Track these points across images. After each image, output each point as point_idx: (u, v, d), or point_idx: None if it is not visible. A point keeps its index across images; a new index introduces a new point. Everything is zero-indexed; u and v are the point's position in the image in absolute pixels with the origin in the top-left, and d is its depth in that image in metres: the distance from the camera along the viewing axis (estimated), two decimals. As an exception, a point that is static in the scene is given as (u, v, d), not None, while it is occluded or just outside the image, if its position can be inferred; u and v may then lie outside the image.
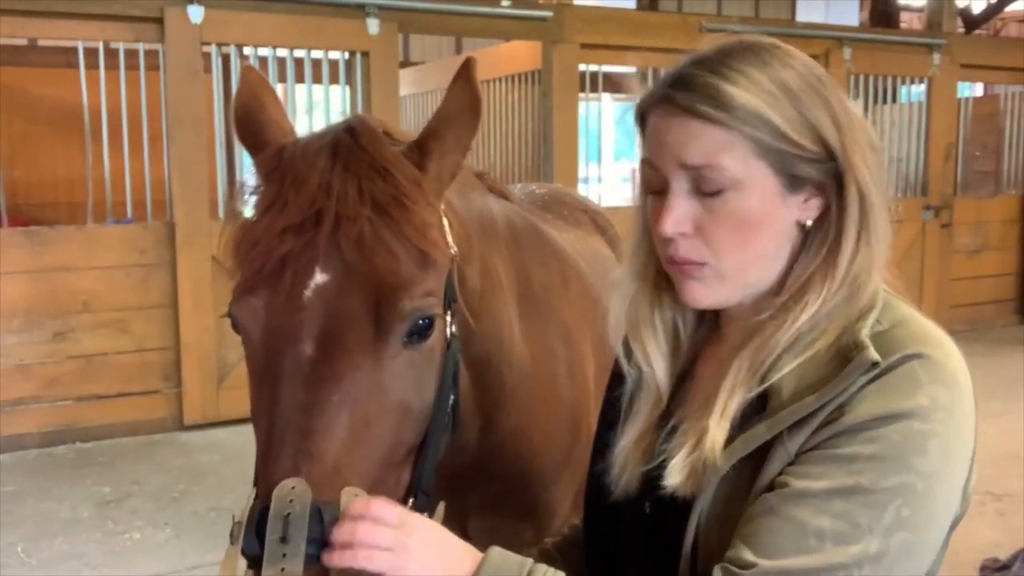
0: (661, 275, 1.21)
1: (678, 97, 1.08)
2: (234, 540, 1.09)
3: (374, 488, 1.12)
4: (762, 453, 1.05)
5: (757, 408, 1.07)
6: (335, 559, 1.02)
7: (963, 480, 1.07)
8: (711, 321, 1.25)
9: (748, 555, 0.99)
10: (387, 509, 1.05)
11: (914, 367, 1.02)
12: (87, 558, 3.93)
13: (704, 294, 1.13)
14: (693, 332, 1.26)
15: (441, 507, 1.25)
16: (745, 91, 1.06)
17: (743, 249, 1.09)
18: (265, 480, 1.10)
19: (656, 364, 1.23)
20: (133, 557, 3.95)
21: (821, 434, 1.02)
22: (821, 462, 1.01)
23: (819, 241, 1.10)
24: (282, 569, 1.02)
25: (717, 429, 1.07)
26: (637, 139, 1.20)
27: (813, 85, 1.10)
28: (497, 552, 1.08)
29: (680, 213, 1.09)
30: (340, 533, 1.03)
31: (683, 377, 1.25)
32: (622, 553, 1.24)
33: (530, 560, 1.08)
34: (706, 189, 1.08)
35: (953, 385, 1.03)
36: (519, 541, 1.49)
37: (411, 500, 1.20)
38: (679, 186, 1.10)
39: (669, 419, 1.19)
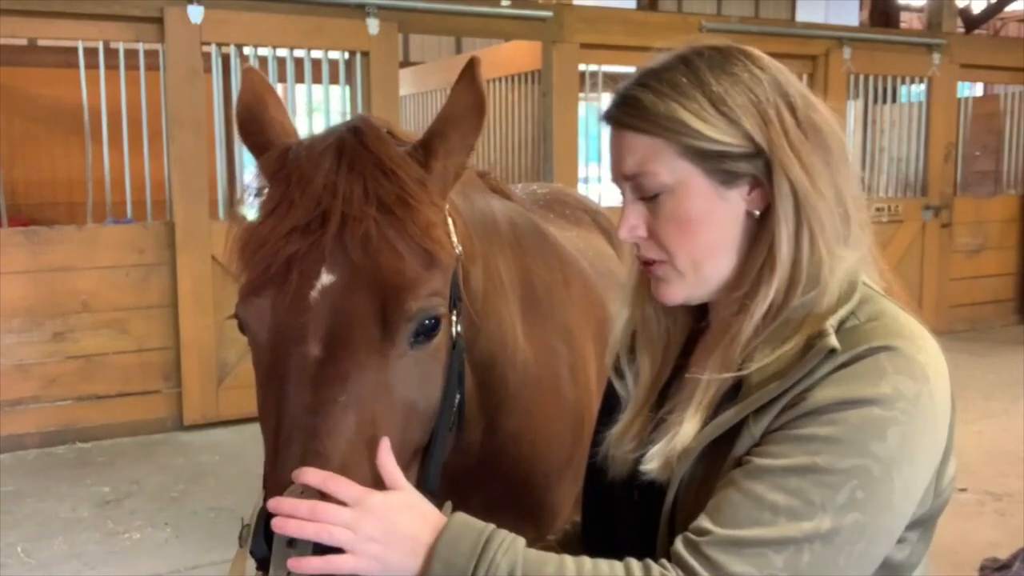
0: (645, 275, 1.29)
1: (614, 112, 1.19)
2: (243, 543, 1.10)
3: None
4: (732, 437, 1.11)
5: (730, 396, 1.14)
6: (290, 527, 1.02)
7: (930, 473, 1.09)
8: (699, 316, 1.32)
9: (706, 524, 1.05)
10: (345, 486, 1.06)
11: (880, 359, 1.05)
12: (87, 558, 3.93)
13: (670, 291, 1.21)
14: (684, 327, 1.33)
15: (448, 507, 1.25)
16: (665, 100, 1.14)
17: (690, 244, 1.16)
18: (273, 481, 1.10)
19: (642, 358, 1.31)
20: (133, 557, 3.94)
21: (783, 417, 1.07)
22: (782, 442, 1.05)
23: (763, 232, 1.16)
24: (288, 573, 1.03)
25: (689, 423, 1.14)
26: None
27: (747, 85, 1.14)
28: (459, 520, 1.09)
29: (632, 220, 1.19)
30: (298, 507, 1.03)
31: (679, 369, 1.30)
32: (617, 542, 1.26)
33: (491, 527, 1.09)
34: (643, 195, 1.17)
35: (921, 378, 1.06)
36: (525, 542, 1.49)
37: None
38: (627, 195, 1.20)
39: (662, 410, 1.25)
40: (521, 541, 1.09)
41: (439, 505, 1.24)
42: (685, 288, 1.20)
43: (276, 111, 1.38)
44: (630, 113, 1.17)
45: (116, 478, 4.87)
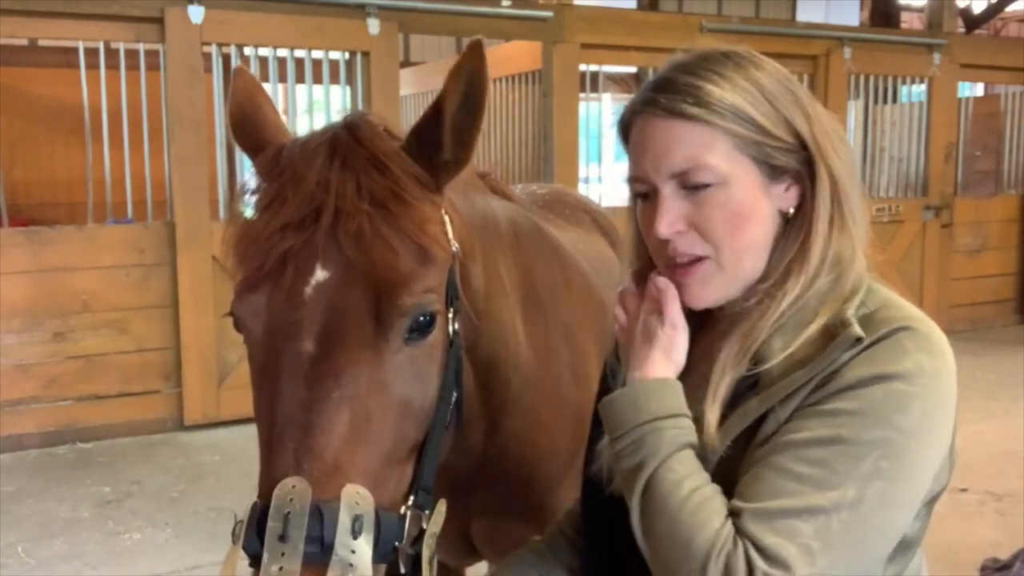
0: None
1: (662, 99, 1.15)
2: (235, 539, 1.10)
3: (375, 485, 1.12)
4: (754, 425, 1.12)
5: (749, 386, 1.13)
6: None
7: (946, 447, 1.13)
8: (697, 317, 1.29)
9: (737, 503, 1.07)
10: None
11: (901, 337, 1.09)
12: (87, 558, 3.93)
13: (705, 293, 1.18)
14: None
15: (442, 505, 1.25)
16: (724, 89, 1.13)
17: (737, 238, 1.15)
18: (267, 478, 1.10)
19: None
20: (133, 557, 3.94)
21: (810, 399, 1.08)
22: (806, 417, 1.08)
23: (796, 228, 1.17)
24: (280, 568, 1.03)
25: (711, 412, 1.13)
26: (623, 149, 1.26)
27: (783, 83, 1.17)
28: (672, 384, 1.17)
29: (672, 215, 1.15)
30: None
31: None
32: (624, 549, 1.25)
33: (687, 412, 1.15)
34: (693, 184, 1.14)
35: (939, 355, 1.10)
36: (523, 543, 1.49)
37: (411, 498, 1.20)
38: (667, 189, 1.15)
39: None
40: (690, 437, 1.12)
41: (434, 503, 1.24)
42: (723, 287, 1.18)
43: (269, 110, 1.39)
44: (689, 101, 1.13)
45: (116, 478, 4.88)
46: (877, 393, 1.05)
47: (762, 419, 1.11)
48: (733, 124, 1.12)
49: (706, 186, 1.13)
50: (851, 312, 1.11)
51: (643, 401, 1.14)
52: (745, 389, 1.13)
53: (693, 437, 1.13)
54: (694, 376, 1.22)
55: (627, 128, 1.22)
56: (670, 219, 1.14)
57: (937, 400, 1.08)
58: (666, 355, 1.19)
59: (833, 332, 1.10)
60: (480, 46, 1.23)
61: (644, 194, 1.20)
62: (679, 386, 1.17)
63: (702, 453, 1.13)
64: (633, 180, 1.20)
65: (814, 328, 1.12)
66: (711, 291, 1.18)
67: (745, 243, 1.15)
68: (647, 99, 1.17)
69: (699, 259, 1.16)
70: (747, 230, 1.15)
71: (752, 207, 1.15)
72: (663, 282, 1.20)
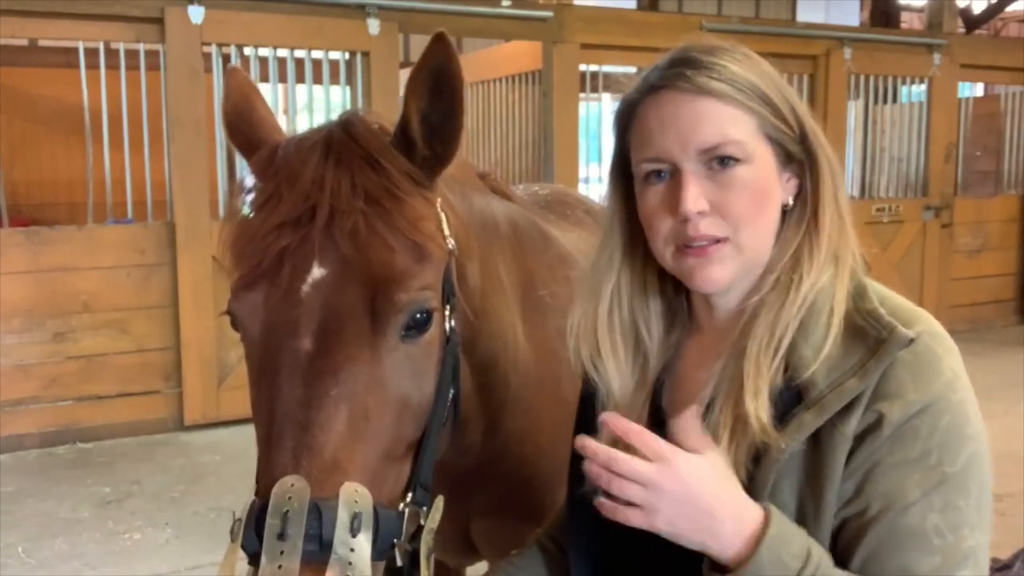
0: (624, 273, 1.25)
1: (687, 73, 1.12)
2: (234, 537, 1.10)
3: (373, 482, 1.12)
4: (811, 440, 1.07)
5: (793, 398, 1.08)
6: (592, 469, 1.03)
7: None
8: (684, 318, 1.27)
9: None
10: (649, 440, 1.03)
11: (928, 343, 1.09)
12: (87, 558, 3.93)
13: (722, 274, 1.14)
14: (665, 333, 1.27)
15: (439, 501, 1.25)
16: (744, 69, 1.13)
17: (758, 219, 1.14)
18: (265, 476, 1.10)
19: (610, 369, 1.24)
20: (133, 557, 3.95)
21: (875, 436, 1.04)
22: (901, 471, 1.05)
23: (797, 217, 1.17)
24: (279, 566, 1.03)
25: (759, 409, 1.07)
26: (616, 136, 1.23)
27: (780, 77, 1.18)
28: (780, 516, 1.04)
29: (696, 190, 1.11)
30: (596, 454, 1.03)
31: (663, 379, 1.26)
32: (618, 560, 1.24)
33: (809, 545, 1.04)
34: (721, 157, 1.11)
35: (952, 348, 1.12)
36: (522, 543, 1.49)
37: (409, 495, 1.20)
38: (691, 167, 1.13)
39: (660, 423, 1.18)
40: (827, 555, 1.05)
41: (432, 499, 1.24)
42: (738, 270, 1.14)
43: (263, 110, 1.39)
44: (714, 77, 1.11)
45: (117, 478, 4.88)
46: (943, 416, 1.06)
47: (816, 432, 1.07)
48: (755, 104, 1.12)
49: (734, 162, 1.11)
50: (882, 310, 1.10)
51: (778, 560, 1.01)
52: (790, 404, 1.08)
53: (828, 556, 1.04)
54: (692, 386, 1.20)
55: (632, 111, 1.19)
56: (695, 193, 1.11)
57: (971, 392, 1.11)
58: (726, 480, 1.04)
59: (869, 332, 1.08)
60: (444, 38, 1.20)
61: (655, 172, 1.15)
62: (776, 510, 1.05)
63: (759, 453, 1.07)
64: (646, 160, 1.15)
65: (837, 326, 1.09)
66: (727, 272, 1.14)
67: (763, 226, 1.14)
68: (668, 75, 1.14)
69: (717, 241, 1.13)
70: (767, 212, 1.14)
71: (771, 189, 1.14)
72: (679, 426, 1.07)
